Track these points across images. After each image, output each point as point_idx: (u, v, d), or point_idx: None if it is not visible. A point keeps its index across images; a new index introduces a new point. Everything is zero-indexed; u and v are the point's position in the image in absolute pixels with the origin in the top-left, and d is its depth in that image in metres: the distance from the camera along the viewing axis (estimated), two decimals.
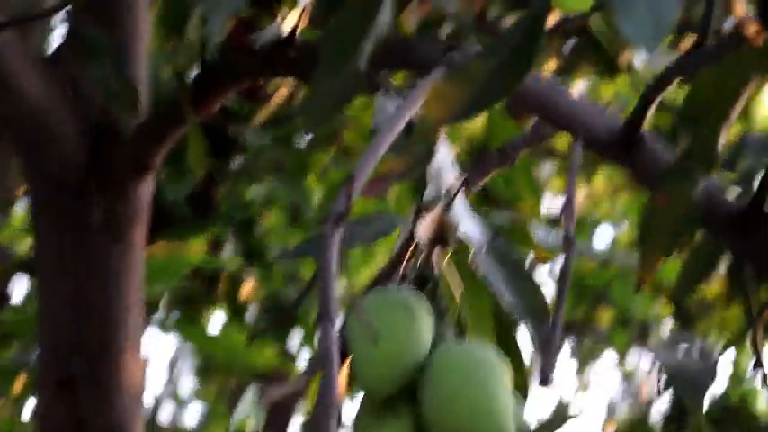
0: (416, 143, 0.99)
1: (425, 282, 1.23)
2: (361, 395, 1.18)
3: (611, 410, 4.99)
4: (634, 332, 3.80)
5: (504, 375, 1.12)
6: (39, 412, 1.70)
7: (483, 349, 1.14)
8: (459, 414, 1.09)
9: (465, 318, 1.24)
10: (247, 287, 2.92)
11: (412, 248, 1.25)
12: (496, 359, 1.13)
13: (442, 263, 1.25)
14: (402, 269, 1.24)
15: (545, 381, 0.81)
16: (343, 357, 1.21)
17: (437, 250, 1.23)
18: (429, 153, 1.04)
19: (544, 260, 1.31)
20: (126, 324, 1.70)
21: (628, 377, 4.88)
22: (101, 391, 1.70)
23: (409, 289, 1.18)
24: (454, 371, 1.11)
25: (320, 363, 0.90)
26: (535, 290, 1.26)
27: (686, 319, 3.87)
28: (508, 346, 1.22)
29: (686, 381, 0.86)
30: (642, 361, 4.36)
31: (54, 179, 1.67)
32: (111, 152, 1.70)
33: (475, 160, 1.44)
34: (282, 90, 3.34)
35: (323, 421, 0.85)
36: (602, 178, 4.28)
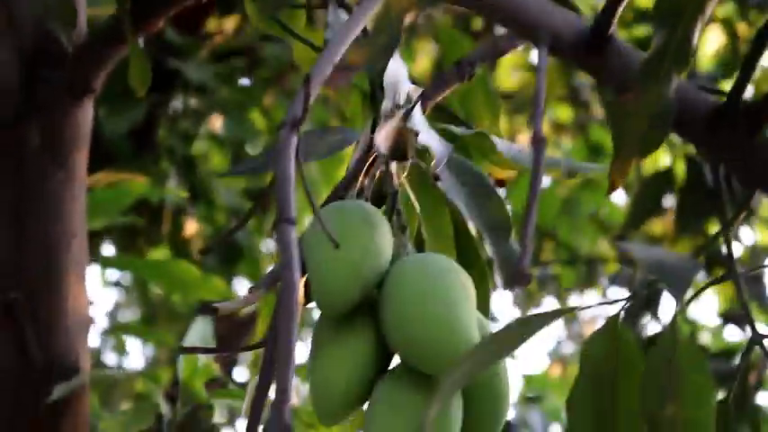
0: (379, 34, 0.94)
1: (384, 197, 1.18)
2: (318, 314, 1.13)
3: (557, 352, 5.00)
4: (581, 271, 3.79)
5: (466, 286, 1.08)
6: None
7: (443, 260, 1.09)
8: (421, 326, 1.04)
9: (425, 234, 1.20)
10: (191, 225, 2.86)
11: (369, 162, 1.20)
12: (458, 270, 1.09)
13: (401, 177, 1.20)
14: (359, 184, 1.19)
15: (518, 279, 0.76)
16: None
17: (395, 163, 1.18)
18: (391, 43, 0.99)
19: (502, 183, 1.26)
20: (69, 251, 1.64)
21: (572, 319, 4.89)
22: (43, 318, 1.64)
23: (367, 203, 1.14)
24: (414, 282, 1.07)
25: (281, 267, 0.85)
26: (497, 203, 1.21)
27: (631, 260, 3.87)
28: (470, 261, 1.18)
29: (668, 270, 0.82)
30: (587, 301, 4.35)
31: None
32: (50, 74, 1.63)
33: (431, 78, 1.39)
34: (226, 26, 3.26)
35: (284, 325, 0.80)
36: (547, 120, 4.25)
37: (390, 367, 1.11)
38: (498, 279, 1.18)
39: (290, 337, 0.81)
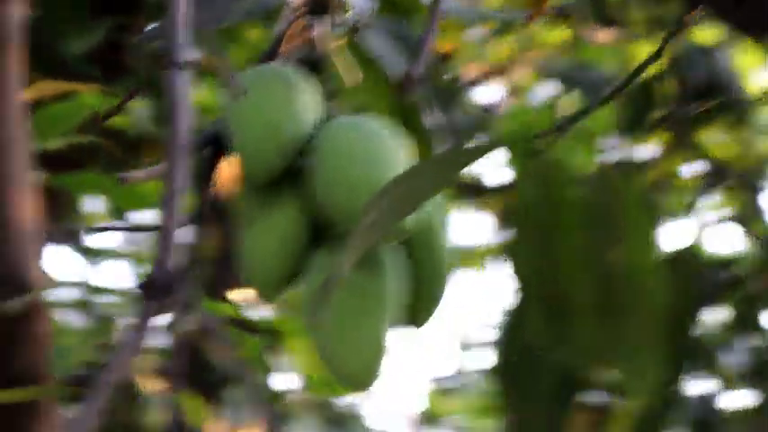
0: None
1: (311, 63, 1.10)
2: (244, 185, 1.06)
3: None
4: None
5: (402, 149, 1.01)
6: None
7: (377, 121, 1.02)
8: (351, 190, 0.97)
9: (358, 102, 1.12)
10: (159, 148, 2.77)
11: (293, 25, 1.12)
12: (394, 132, 1.01)
13: (328, 41, 1.12)
14: (283, 49, 1.11)
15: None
16: (219, 157, 1.09)
17: (321, 25, 1.10)
18: None
19: (447, 56, 1.18)
20: (8, 157, 1.56)
21: None
22: None
23: (291, 67, 1.06)
24: (343, 142, 0.99)
25: (169, 111, 0.77)
26: (440, 70, 1.14)
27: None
28: (409, 127, 1.10)
29: (584, 80, 0.75)
30: None
31: None
32: None
33: None
34: None
35: (175, 163, 0.73)
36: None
37: (324, 240, 1.05)
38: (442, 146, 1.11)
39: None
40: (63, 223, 2.56)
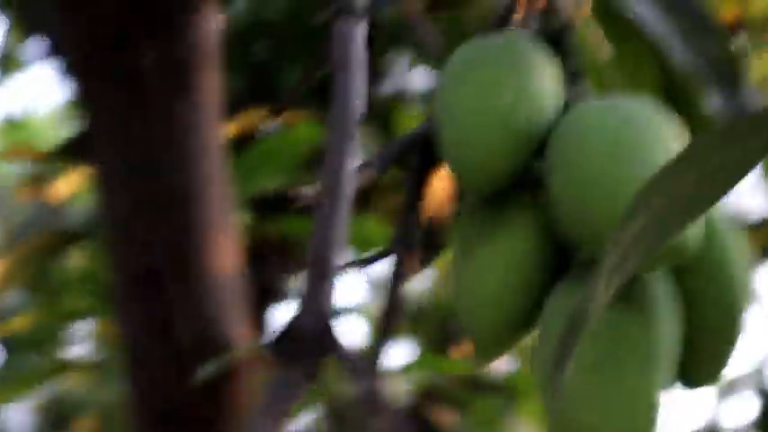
0: None
1: (550, 34, 0.82)
2: (462, 203, 0.78)
3: None
4: None
5: (673, 136, 0.71)
6: (116, 313, 1.36)
7: (646, 105, 0.72)
8: (613, 199, 0.67)
9: (615, 82, 0.82)
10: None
11: None
12: (669, 120, 0.72)
13: (576, 9, 0.83)
14: (517, 15, 0.83)
15: None
16: (431, 165, 0.82)
17: None
18: None
19: (733, 28, 0.87)
20: (204, 197, 1.33)
21: None
22: (184, 285, 1.34)
23: (525, 38, 0.78)
24: (596, 133, 0.69)
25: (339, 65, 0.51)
26: (723, 43, 0.83)
27: None
28: (685, 114, 0.80)
29: None
30: None
31: (93, 34, 1.32)
32: None
33: None
34: None
35: (340, 146, 0.46)
36: None
37: (568, 270, 0.76)
38: None
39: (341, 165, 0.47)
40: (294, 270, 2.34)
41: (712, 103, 0.82)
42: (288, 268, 2.25)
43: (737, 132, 0.50)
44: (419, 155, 0.81)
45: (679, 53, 0.82)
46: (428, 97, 2.42)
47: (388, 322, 0.75)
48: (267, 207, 1.88)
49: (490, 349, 0.75)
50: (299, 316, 0.44)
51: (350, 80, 0.51)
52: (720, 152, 0.50)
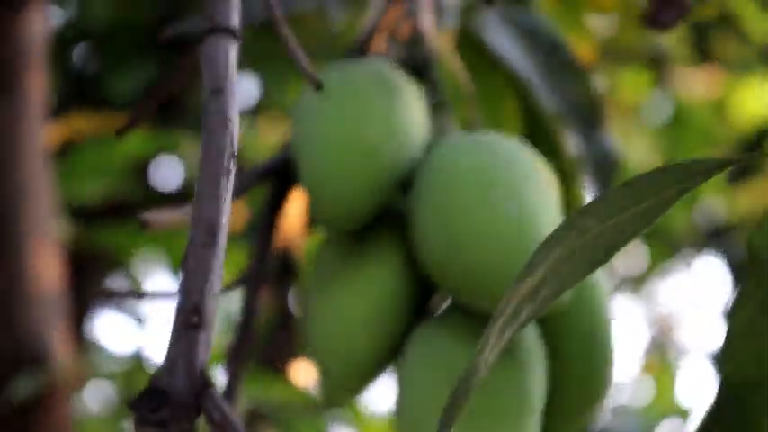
0: None
1: (413, 64, 0.79)
2: (320, 234, 0.74)
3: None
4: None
5: (547, 182, 0.69)
6: None
7: (509, 142, 0.70)
8: (479, 240, 0.65)
9: (477, 116, 0.80)
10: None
11: (389, 13, 0.81)
12: (533, 158, 0.70)
13: (439, 39, 0.81)
14: (376, 44, 0.80)
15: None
16: (290, 186, 0.78)
17: (430, 18, 0.79)
18: None
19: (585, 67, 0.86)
20: (26, 203, 1.26)
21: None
22: (1, 298, 1.26)
23: (388, 65, 0.75)
24: (463, 170, 0.67)
25: (212, 87, 0.47)
26: (584, 80, 0.82)
27: None
28: (547, 152, 0.79)
29: None
30: None
31: None
32: None
33: None
34: None
35: (212, 185, 0.42)
36: None
37: (430, 312, 0.73)
38: (588, 182, 0.79)
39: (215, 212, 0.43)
40: (105, 285, 2.26)
41: (573, 143, 0.81)
42: (108, 280, 2.17)
43: (634, 189, 0.48)
44: (274, 183, 0.77)
45: (542, 93, 0.80)
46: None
47: (241, 353, 0.71)
48: (89, 216, 1.81)
49: (341, 394, 0.71)
50: (171, 372, 0.40)
51: (224, 105, 0.47)
52: (620, 207, 0.48)
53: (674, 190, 0.49)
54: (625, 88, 3.40)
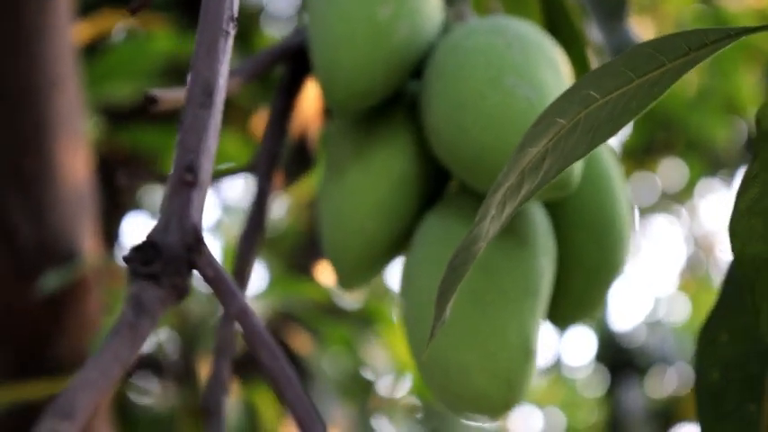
0: None
1: None
2: (334, 120, 0.74)
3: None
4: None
5: (559, 66, 0.68)
6: None
7: (525, 26, 0.69)
8: (491, 123, 0.64)
9: (497, 6, 0.79)
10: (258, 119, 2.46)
11: None
12: (547, 42, 0.69)
13: None
14: None
15: None
16: (305, 70, 0.78)
17: None
18: None
19: None
20: (54, 103, 1.26)
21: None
22: (30, 192, 1.27)
23: None
24: (478, 56, 0.66)
25: None
26: None
27: None
28: (563, 43, 0.78)
29: None
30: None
31: None
32: None
33: None
34: None
35: (210, 46, 0.42)
36: None
37: (442, 195, 0.73)
38: None
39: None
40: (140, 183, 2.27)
41: (594, 34, 0.80)
42: (140, 180, 2.17)
43: (637, 59, 0.48)
44: (289, 67, 0.77)
45: None
46: (290, 17, 2.36)
47: (252, 241, 0.71)
48: (119, 116, 1.81)
49: (354, 277, 0.72)
50: (164, 228, 0.40)
51: None
52: (625, 78, 0.47)
53: (682, 60, 0.48)
54: (668, 1, 3.36)
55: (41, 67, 1.25)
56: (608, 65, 0.47)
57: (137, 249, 0.39)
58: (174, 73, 1.91)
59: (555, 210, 0.70)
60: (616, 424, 3.32)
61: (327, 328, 1.51)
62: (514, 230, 0.66)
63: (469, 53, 0.66)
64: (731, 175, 3.55)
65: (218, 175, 0.70)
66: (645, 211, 3.71)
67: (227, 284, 0.39)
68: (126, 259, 0.39)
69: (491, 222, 0.48)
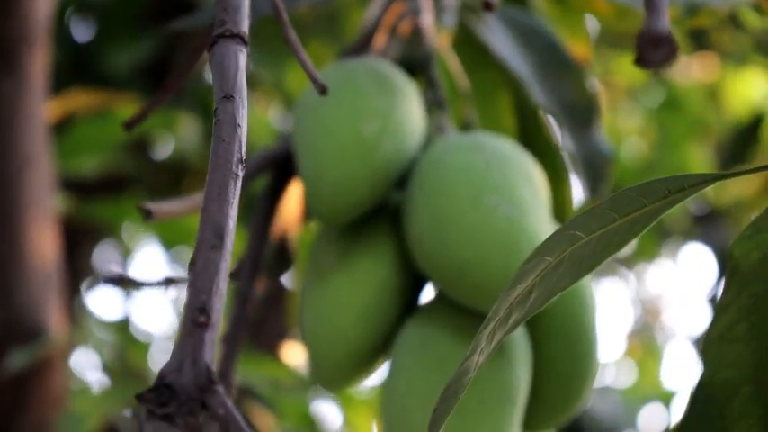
0: None
1: (414, 66, 0.81)
2: (317, 229, 0.77)
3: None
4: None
5: (535, 182, 0.71)
6: None
7: (503, 144, 0.72)
8: (470, 239, 0.67)
9: (472, 118, 0.82)
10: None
11: (390, 11, 0.83)
12: (524, 158, 0.72)
13: (439, 37, 0.83)
14: (378, 44, 0.82)
15: (656, 46, 0.39)
16: (288, 176, 0.80)
17: (430, 16, 0.81)
18: None
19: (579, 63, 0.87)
20: (24, 181, 1.28)
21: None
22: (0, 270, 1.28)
23: (388, 64, 0.77)
24: (459, 173, 0.69)
25: (223, 93, 0.49)
26: (577, 78, 0.84)
27: None
28: (539, 155, 0.81)
29: None
30: None
31: None
32: None
33: None
34: None
35: (221, 189, 0.44)
36: None
37: (420, 303, 0.75)
38: (579, 181, 0.82)
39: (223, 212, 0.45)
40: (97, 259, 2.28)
41: (566, 142, 0.83)
42: (95, 251, 2.19)
43: (621, 201, 0.51)
44: (273, 174, 0.79)
45: (537, 91, 0.82)
46: None
47: (235, 344, 0.73)
48: (84, 190, 1.83)
49: (335, 381, 0.74)
50: (178, 369, 0.42)
51: (234, 111, 0.49)
52: (608, 218, 0.50)
53: (661, 203, 0.51)
54: (620, 73, 3.42)
55: (16, 146, 1.27)
56: (594, 208, 0.50)
57: (152, 390, 0.41)
58: (136, 145, 1.93)
59: (531, 319, 0.73)
60: None
61: (286, 402, 1.53)
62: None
63: (451, 170, 0.69)
64: (679, 244, 3.60)
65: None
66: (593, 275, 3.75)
67: (238, 424, 0.41)
68: (141, 399, 0.41)
69: (480, 354, 0.50)
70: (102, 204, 1.70)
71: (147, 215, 0.66)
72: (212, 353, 0.42)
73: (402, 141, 0.72)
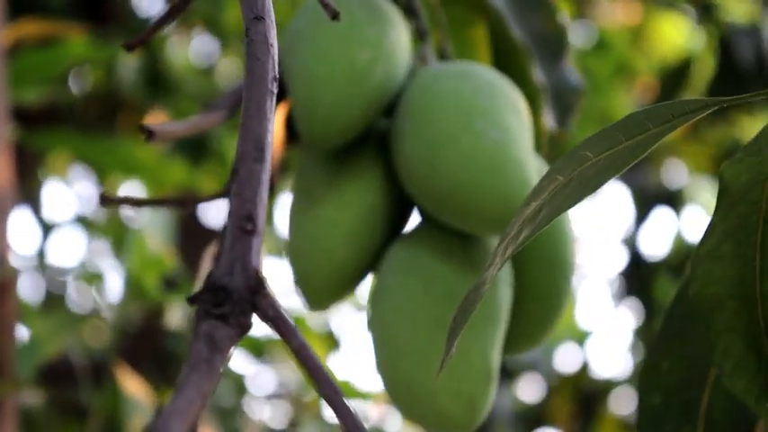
0: None
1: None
2: (306, 151, 0.79)
3: None
4: None
5: (519, 108, 0.74)
6: None
7: (486, 72, 0.75)
8: (458, 163, 0.70)
9: (451, 49, 0.85)
10: (156, 117, 2.48)
11: None
12: (508, 86, 0.75)
13: None
14: None
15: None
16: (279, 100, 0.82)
17: None
18: None
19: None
20: None
21: None
22: None
23: None
24: (447, 98, 0.72)
25: (254, 15, 0.51)
26: (549, 13, 0.87)
27: None
28: (513, 78, 0.84)
29: None
30: None
31: None
32: None
33: None
34: None
35: (259, 105, 0.46)
36: None
37: (407, 227, 0.78)
38: (548, 112, 0.85)
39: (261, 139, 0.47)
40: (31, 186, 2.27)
41: (537, 74, 0.86)
42: (40, 181, 2.18)
43: (629, 124, 0.54)
44: None
45: (511, 23, 0.85)
46: None
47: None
48: (28, 119, 1.82)
49: (322, 299, 0.76)
50: (229, 272, 0.44)
51: (265, 31, 0.51)
52: (615, 141, 0.54)
53: (664, 126, 0.55)
54: None
55: None
56: (605, 130, 0.53)
57: (204, 292, 0.43)
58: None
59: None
60: (485, 425, 3.42)
61: None
62: (479, 262, 0.72)
63: (440, 97, 0.72)
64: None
65: (198, 201, 0.74)
66: None
67: (288, 323, 0.44)
68: (196, 299, 0.43)
69: (495, 267, 0.53)
70: (49, 135, 1.70)
71: (149, 135, 0.67)
72: (259, 257, 0.44)
73: (393, 69, 0.74)
